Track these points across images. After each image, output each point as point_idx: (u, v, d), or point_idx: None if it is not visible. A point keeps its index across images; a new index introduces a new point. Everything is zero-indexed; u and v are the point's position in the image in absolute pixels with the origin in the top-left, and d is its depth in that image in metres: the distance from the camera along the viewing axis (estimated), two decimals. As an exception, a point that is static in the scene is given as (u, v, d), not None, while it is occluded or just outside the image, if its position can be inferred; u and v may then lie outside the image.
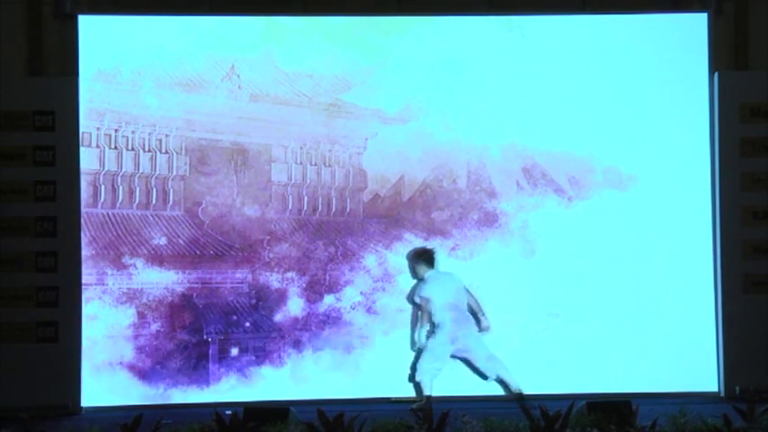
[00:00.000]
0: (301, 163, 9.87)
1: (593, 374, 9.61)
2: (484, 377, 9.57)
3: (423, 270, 9.57)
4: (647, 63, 9.86)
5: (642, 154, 9.84)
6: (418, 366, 9.49)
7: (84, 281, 9.52)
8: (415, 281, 9.65)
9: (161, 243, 9.67)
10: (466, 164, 9.88)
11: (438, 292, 9.50)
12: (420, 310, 9.55)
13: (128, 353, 9.59)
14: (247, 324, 9.72)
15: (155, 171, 9.70)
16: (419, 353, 9.53)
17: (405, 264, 9.68)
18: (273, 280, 9.75)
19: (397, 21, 9.93)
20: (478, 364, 9.54)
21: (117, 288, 9.61)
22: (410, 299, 9.65)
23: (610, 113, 9.84)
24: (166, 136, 9.73)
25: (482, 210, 9.87)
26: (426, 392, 9.39)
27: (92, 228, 9.61)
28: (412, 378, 9.54)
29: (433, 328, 9.51)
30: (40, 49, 9.80)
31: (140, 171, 9.68)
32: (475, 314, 9.57)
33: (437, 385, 9.47)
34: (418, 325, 9.55)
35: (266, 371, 9.67)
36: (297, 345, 9.71)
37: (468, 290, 9.58)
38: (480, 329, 9.57)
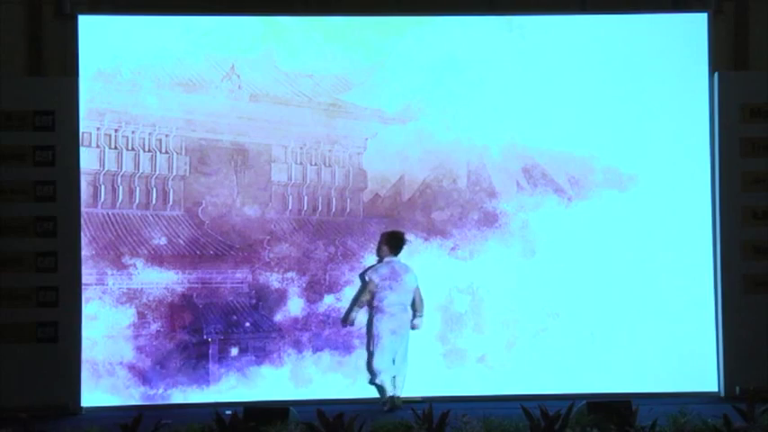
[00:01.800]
0: (301, 163, 9.88)
1: (593, 374, 9.61)
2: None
3: (384, 252, 9.55)
4: (647, 63, 9.86)
5: (642, 154, 9.84)
6: (375, 369, 9.45)
7: (84, 281, 9.52)
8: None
9: (161, 243, 9.67)
10: (466, 164, 9.88)
11: (391, 283, 9.44)
12: (365, 289, 9.49)
13: (128, 353, 9.59)
14: (247, 324, 9.72)
15: (155, 171, 9.70)
16: (371, 354, 9.49)
17: (405, 264, 9.64)
18: (273, 280, 9.75)
19: (397, 21, 9.93)
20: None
21: (117, 288, 9.61)
22: (362, 275, 9.62)
23: (610, 113, 9.85)
24: (166, 136, 9.74)
25: (482, 210, 9.87)
26: (389, 393, 9.35)
27: (92, 228, 9.62)
28: (372, 381, 9.51)
29: (372, 315, 9.46)
30: (40, 49, 9.80)
31: (140, 171, 9.68)
32: (414, 312, 9.50)
33: (437, 385, 9.47)
34: (356, 305, 9.50)
35: (266, 371, 9.67)
36: (297, 345, 9.71)
37: (418, 290, 9.51)
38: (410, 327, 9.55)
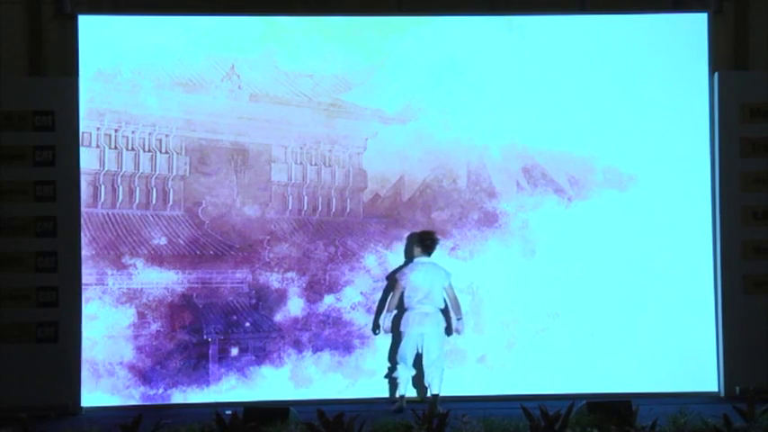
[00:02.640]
0: (301, 163, 9.88)
1: (593, 374, 9.61)
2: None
3: (417, 253, 9.46)
4: (647, 63, 9.86)
5: (642, 154, 9.84)
6: (390, 362, 9.43)
7: (84, 281, 9.52)
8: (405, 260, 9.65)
9: (161, 243, 9.68)
10: (466, 164, 9.88)
11: (419, 282, 9.33)
12: (393, 291, 9.43)
13: (128, 353, 9.59)
14: (247, 324, 9.72)
15: (155, 171, 9.71)
16: (394, 349, 9.45)
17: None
18: (273, 280, 9.75)
19: (397, 21, 9.93)
20: (423, 363, 9.35)
21: (117, 288, 9.62)
22: (390, 276, 9.60)
23: (610, 113, 9.84)
24: (166, 136, 9.74)
25: (482, 210, 9.87)
26: (400, 392, 9.30)
27: (92, 228, 9.62)
28: (389, 374, 9.49)
29: (401, 315, 9.38)
30: (40, 49, 9.80)
31: (140, 171, 9.68)
32: (448, 315, 9.38)
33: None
34: (386, 308, 9.44)
35: (266, 371, 9.67)
36: (297, 345, 9.71)
37: (451, 289, 9.40)
38: (449, 333, 9.44)
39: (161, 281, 9.66)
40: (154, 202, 9.71)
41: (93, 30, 9.67)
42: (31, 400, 9.15)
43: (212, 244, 9.72)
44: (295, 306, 9.75)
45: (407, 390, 9.32)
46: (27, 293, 9.45)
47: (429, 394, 9.27)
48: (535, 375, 9.65)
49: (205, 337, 9.67)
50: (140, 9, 9.81)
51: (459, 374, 9.66)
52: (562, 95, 9.82)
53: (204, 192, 9.75)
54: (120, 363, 9.57)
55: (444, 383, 9.35)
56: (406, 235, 9.73)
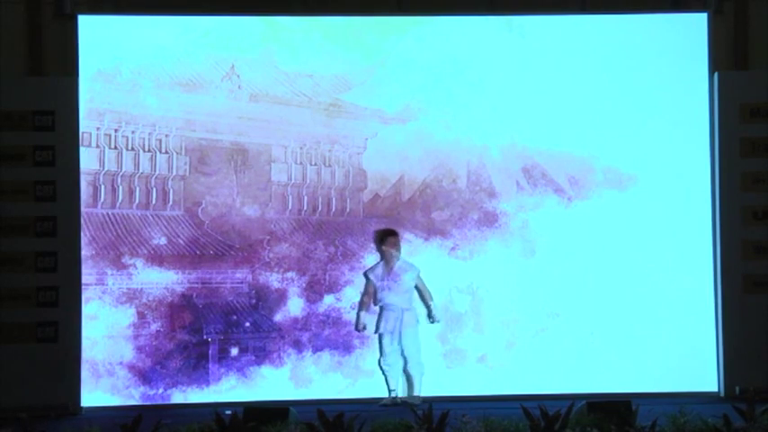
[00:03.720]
0: (301, 163, 9.88)
1: (593, 374, 9.61)
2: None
3: (396, 252, 9.42)
4: (647, 63, 9.86)
5: (642, 154, 9.84)
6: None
7: (84, 281, 9.52)
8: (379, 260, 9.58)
9: (161, 243, 9.68)
10: (466, 164, 9.88)
11: (386, 280, 9.35)
12: (364, 290, 9.39)
13: (128, 353, 9.59)
14: (247, 324, 9.72)
15: (155, 171, 9.71)
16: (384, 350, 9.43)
17: (408, 263, 9.57)
18: (273, 280, 9.76)
19: (397, 21, 9.93)
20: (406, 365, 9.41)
21: (117, 288, 9.62)
22: (364, 274, 9.52)
23: (610, 113, 9.84)
24: (166, 136, 9.74)
25: (482, 210, 9.87)
26: (392, 386, 9.30)
27: (92, 228, 9.62)
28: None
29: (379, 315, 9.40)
30: (40, 49, 9.79)
31: (140, 171, 9.68)
32: (427, 305, 9.40)
33: (437, 385, 9.46)
34: (361, 308, 9.39)
35: (266, 371, 9.67)
36: (297, 345, 9.71)
37: (419, 278, 9.40)
38: (431, 319, 9.44)
39: (161, 281, 9.66)
40: (154, 202, 9.71)
41: (93, 30, 9.67)
42: (31, 400, 9.14)
43: (212, 244, 9.72)
44: (295, 306, 9.76)
45: (414, 390, 9.35)
46: (27, 293, 9.44)
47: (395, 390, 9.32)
48: (535, 375, 9.64)
49: (205, 337, 9.67)
50: (140, 9, 9.81)
51: (459, 374, 9.67)
52: (562, 95, 9.81)
53: (204, 192, 9.75)
54: (120, 363, 9.57)
55: (444, 383, 9.37)
56: (406, 235, 9.70)
